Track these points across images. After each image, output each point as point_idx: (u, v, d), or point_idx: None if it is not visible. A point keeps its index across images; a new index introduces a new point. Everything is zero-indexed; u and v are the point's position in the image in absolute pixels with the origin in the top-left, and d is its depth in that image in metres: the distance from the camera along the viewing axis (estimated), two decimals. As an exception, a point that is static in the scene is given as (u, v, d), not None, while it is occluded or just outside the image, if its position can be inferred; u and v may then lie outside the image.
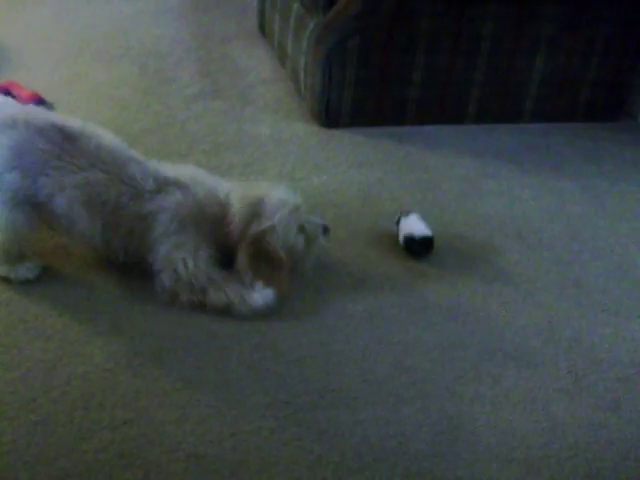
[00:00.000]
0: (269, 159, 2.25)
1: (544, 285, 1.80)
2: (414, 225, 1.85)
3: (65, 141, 1.60)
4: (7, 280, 1.66)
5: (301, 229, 1.69)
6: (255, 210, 1.63)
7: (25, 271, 1.68)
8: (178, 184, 1.64)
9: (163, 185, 1.63)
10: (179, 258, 1.61)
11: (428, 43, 2.38)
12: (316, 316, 1.63)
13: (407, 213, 1.89)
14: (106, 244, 1.65)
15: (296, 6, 2.66)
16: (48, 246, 1.78)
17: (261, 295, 1.61)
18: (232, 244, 1.64)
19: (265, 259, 1.62)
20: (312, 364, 1.50)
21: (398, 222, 1.89)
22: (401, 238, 1.86)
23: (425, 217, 1.99)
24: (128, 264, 1.69)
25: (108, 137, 1.69)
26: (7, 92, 2.47)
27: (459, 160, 2.34)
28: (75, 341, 1.51)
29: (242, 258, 1.62)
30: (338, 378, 1.47)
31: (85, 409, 1.36)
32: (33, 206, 1.61)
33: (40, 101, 2.49)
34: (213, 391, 1.42)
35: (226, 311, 1.61)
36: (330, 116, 2.44)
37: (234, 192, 1.67)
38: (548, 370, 1.54)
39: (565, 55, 2.53)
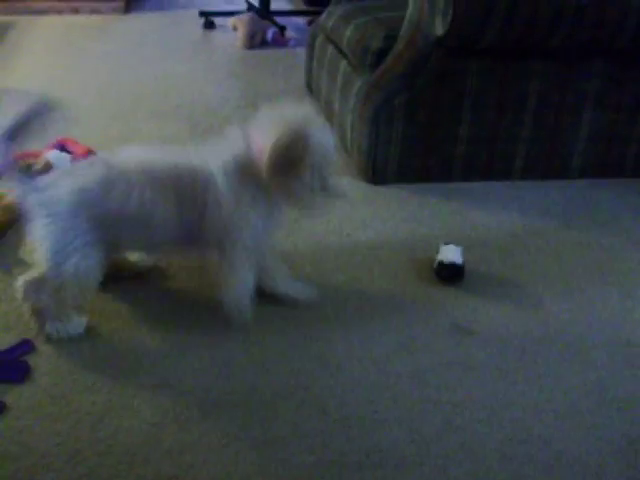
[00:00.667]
0: (315, 215, 2.27)
1: (594, 344, 1.76)
2: (448, 253, 1.96)
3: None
4: (52, 338, 1.67)
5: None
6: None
7: (76, 327, 1.69)
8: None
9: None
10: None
11: (474, 100, 2.40)
12: (362, 374, 1.62)
13: (447, 243, 2.00)
14: (181, 230, 1.65)
15: (343, 64, 2.72)
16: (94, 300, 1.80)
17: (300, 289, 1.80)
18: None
19: (289, 165, 1.58)
20: (358, 423, 1.48)
21: (438, 252, 1.99)
22: (435, 263, 1.97)
23: (472, 274, 1.99)
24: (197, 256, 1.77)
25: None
26: (62, 147, 2.55)
27: (506, 217, 2.33)
28: (122, 394, 1.52)
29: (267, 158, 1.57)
30: (385, 438, 1.45)
31: (130, 463, 1.36)
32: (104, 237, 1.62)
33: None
34: (258, 448, 1.41)
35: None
36: (377, 172, 2.46)
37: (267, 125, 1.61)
38: (600, 433, 1.49)
39: (612, 111, 2.52)
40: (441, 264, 1.95)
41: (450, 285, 1.95)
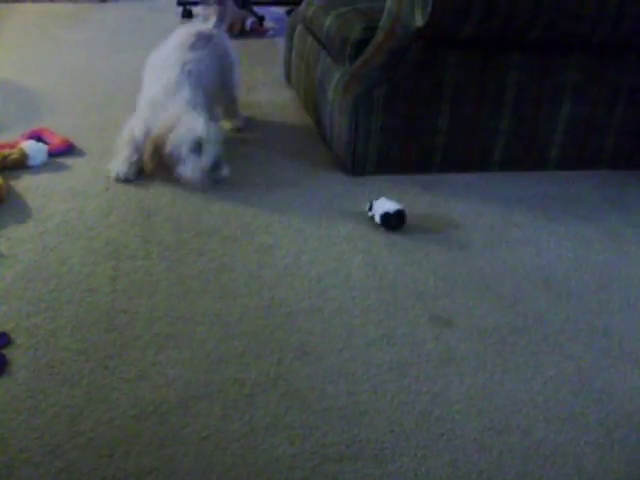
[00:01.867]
0: (295, 206, 2.27)
1: (572, 335, 1.78)
2: (386, 204, 2.15)
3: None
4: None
5: (194, 152, 2.26)
6: (171, 125, 2.28)
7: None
8: None
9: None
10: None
11: (453, 92, 2.41)
12: (342, 365, 1.62)
13: (377, 198, 2.19)
14: (218, 85, 2.60)
15: (323, 55, 2.71)
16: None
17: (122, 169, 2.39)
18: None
19: (156, 155, 2.31)
20: (338, 414, 1.48)
21: (370, 208, 2.19)
22: (377, 218, 2.16)
23: (451, 265, 2.00)
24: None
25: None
26: (39, 138, 2.53)
27: (485, 208, 2.34)
28: (101, 387, 1.51)
29: (146, 148, 2.35)
30: (365, 429, 1.45)
31: (110, 457, 1.36)
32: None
33: (70, 147, 2.54)
34: (238, 440, 1.41)
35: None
36: (356, 164, 2.46)
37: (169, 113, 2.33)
38: (578, 422, 1.51)
39: (590, 103, 2.54)
40: (387, 214, 2.13)
41: (397, 231, 2.14)
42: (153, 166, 2.34)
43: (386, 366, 1.63)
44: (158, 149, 2.30)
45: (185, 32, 2.60)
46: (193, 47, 2.51)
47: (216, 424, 1.44)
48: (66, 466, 1.33)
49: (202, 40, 2.56)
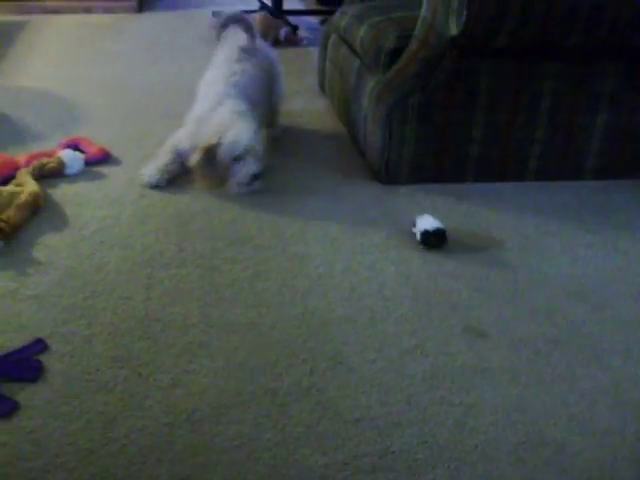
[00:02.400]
0: (328, 214, 2.27)
1: (609, 347, 1.75)
2: (428, 221, 2.10)
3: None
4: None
5: (239, 158, 2.32)
6: (219, 133, 2.32)
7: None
8: None
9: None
10: None
11: (488, 100, 2.39)
12: (376, 376, 1.61)
13: (421, 215, 2.13)
14: (263, 95, 2.64)
15: (356, 64, 2.71)
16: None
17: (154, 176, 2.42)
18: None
19: (205, 162, 2.34)
20: (371, 425, 1.47)
21: (415, 225, 2.12)
22: (418, 235, 2.10)
23: (485, 275, 1.98)
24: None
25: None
26: (76, 147, 2.56)
27: (520, 218, 2.32)
28: (135, 394, 1.53)
29: (193, 157, 2.37)
30: (398, 440, 1.44)
31: (143, 464, 1.36)
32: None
33: (107, 156, 2.57)
34: (271, 450, 1.41)
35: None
36: (390, 173, 2.46)
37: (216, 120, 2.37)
38: (615, 437, 1.48)
39: (627, 111, 2.50)
40: (427, 232, 2.08)
41: (437, 250, 2.08)
42: (202, 174, 2.37)
43: (419, 377, 1.61)
44: (206, 156, 2.32)
45: (230, 47, 2.67)
46: (238, 60, 2.58)
47: (248, 433, 1.44)
48: (99, 472, 1.34)
49: (247, 52, 2.62)
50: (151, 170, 2.42)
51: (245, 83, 2.52)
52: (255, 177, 2.34)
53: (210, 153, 2.31)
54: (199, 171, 2.37)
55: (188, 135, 2.43)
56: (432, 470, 1.38)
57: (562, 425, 1.50)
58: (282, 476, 1.35)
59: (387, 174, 2.46)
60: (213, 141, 2.31)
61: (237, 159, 2.31)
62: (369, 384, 1.58)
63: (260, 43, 2.72)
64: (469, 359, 1.68)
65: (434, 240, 2.08)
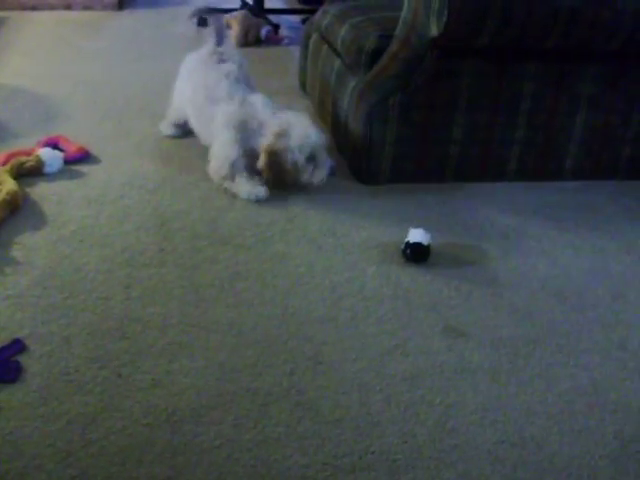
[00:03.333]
0: (309, 214, 2.27)
1: (587, 347, 1.76)
2: (415, 235, 2.06)
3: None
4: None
5: (312, 158, 2.29)
6: (283, 133, 2.28)
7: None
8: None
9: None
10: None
11: (468, 101, 2.40)
12: (356, 376, 1.62)
13: (416, 227, 2.09)
14: None
15: (338, 64, 2.71)
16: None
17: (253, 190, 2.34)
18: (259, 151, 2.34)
19: (275, 166, 2.30)
20: (351, 425, 1.48)
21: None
22: (403, 245, 2.07)
23: (465, 275, 1.99)
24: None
25: None
26: (55, 145, 2.54)
27: (499, 218, 2.33)
28: (115, 395, 1.52)
29: (261, 160, 2.32)
30: (378, 440, 1.44)
31: (122, 465, 1.36)
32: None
33: (86, 154, 2.56)
34: (251, 450, 1.41)
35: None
36: (371, 172, 2.46)
37: (277, 120, 2.32)
38: (593, 435, 1.50)
39: (606, 113, 2.53)
40: (407, 244, 2.05)
41: (415, 264, 2.04)
42: (272, 177, 2.33)
43: (399, 377, 1.62)
44: (274, 158, 2.29)
45: (199, 56, 2.65)
46: (220, 61, 2.56)
47: (228, 433, 1.44)
48: (78, 474, 1.33)
49: (221, 55, 2.60)
50: (250, 188, 2.35)
51: (243, 79, 2.53)
52: (332, 172, 2.35)
53: (278, 153, 2.28)
54: (268, 173, 2.32)
55: (233, 144, 2.36)
56: (412, 470, 1.38)
57: (541, 424, 1.52)
58: (262, 477, 1.35)
59: (368, 174, 2.47)
60: (278, 141, 2.27)
61: (310, 159, 2.30)
62: (349, 384, 1.59)
63: (228, 47, 2.72)
64: (449, 359, 1.69)
65: (411, 253, 2.04)
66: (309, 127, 2.31)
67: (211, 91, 2.47)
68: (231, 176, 2.36)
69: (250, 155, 2.36)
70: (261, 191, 2.33)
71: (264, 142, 2.30)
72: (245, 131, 2.35)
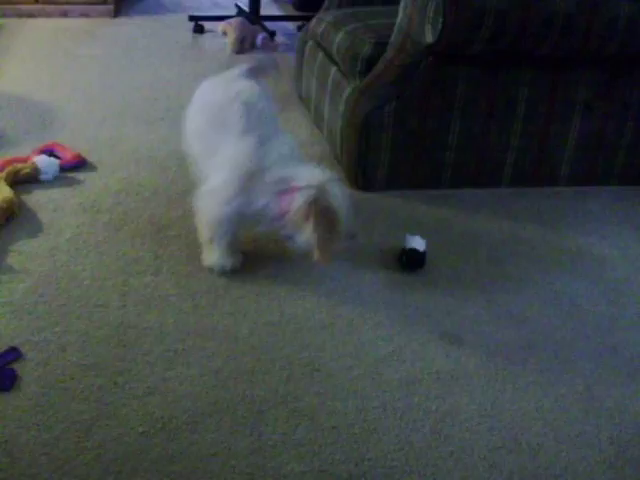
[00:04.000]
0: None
1: (583, 352, 1.77)
2: (412, 242, 2.06)
3: None
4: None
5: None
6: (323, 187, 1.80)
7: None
8: None
9: None
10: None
11: (464, 108, 2.41)
12: (352, 382, 1.62)
13: (413, 234, 2.09)
14: None
15: (333, 71, 2.71)
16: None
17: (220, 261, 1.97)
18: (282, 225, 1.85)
19: (325, 229, 1.78)
20: (348, 432, 1.48)
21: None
22: (399, 252, 2.07)
23: (461, 281, 1.99)
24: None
25: None
26: (51, 152, 2.54)
27: (495, 224, 2.33)
28: (110, 403, 1.52)
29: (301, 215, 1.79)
30: (374, 447, 1.45)
31: (118, 473, 1.36)
32: None
33: (82, 162, 2.56)
34: (247, 457, 1.40)
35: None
36: (366, 179, 2.46)
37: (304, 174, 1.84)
38: (589, 441, 1.50)
39: (600, 119, 2.53)
40: (403, 251, 2.05)
41: (411, 272, 2.03)
42: (323, 234, 1.79)
43: (396, 383, 1.62)
44: (325, 213, 1.78)
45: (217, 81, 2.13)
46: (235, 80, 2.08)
47: (225, 441, 1.44)
48: (75, 482, 1.33)
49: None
50: (218, 257, 1.98)
51: (264, 107, 2.03)
52: (352, 236, 1.92)
53: (330, 210, 1.79)
54: (321, 232, 1.79)
55: (232, 198, 1.87)
56: (408, 476, 1.38)
57: (537, 430, 1.52)
58: (259, 484, 1.35)
59: (363, 180, 2.47)
60: (318, 198, 1.78)
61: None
62: (345, 391, 1.59)
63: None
64: (445, 365, 1.69)
65: (407, 259, 2.03)
66: (335, 186, 1.84)
67: (218, 113, 1.98)
68: (214, 239, 1.97)
69: (248, 217, 1.91)
70: (229, 263, 1.97)
71: (300, 197, 1.79)
72: (252, 186, 1.85)
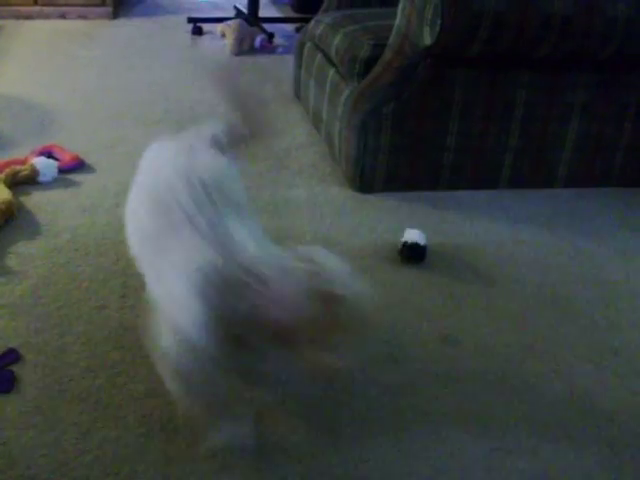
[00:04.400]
0: (304, 223, 2.27)
1: (580, 353, 1.77)
2: (412, 235, 2.10)
3: None
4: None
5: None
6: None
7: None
8: None
9: None
10: None
11: (462, 109, 2.41)
12: (350, 385, 1.62)
13: (412, 227, 2.14)
14: None
15: (331, 72, 2.72)
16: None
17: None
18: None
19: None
20: (346, 433, 1.48)
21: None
22: (400, 245, 2.10)
23: (459, 283, 2.00)
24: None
25: None
26: (49, 154, 2.54)
27: (493, 226, 2.34)
28: (109, 404, 1.52)
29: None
30: (373, 448, 1.45)
31: (117, 474, 1.36)
32: None
33: (80, 163, 2.56)
34: (245, 459, 1.40)
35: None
36: (364, 181, 2.47)
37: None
38: (587, 443, 1.50)
39: (599, 121, 2.54)
40: (404, 244, 2.07)
41: (412, 265, 2.06)
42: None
43: (393, 385, 1.62)
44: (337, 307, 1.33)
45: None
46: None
47: (224, 442, 1.44)
48: (73, 484, 1.33)
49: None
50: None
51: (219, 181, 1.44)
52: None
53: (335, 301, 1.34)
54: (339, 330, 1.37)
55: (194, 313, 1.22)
56: (407, 478, 1.39)
57: (535, 432, 1.52)
58: (257, 486, 1.35)
59: (362, 182, 2.47)
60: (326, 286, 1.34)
61: None
62: (344, 392, 1.59)
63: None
64: (443, 366, 1.69)
65: (407, 252, 2.07)
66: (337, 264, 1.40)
67: (161, 198, 1.38)
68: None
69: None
70: (236, 436, 1.43)
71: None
72: (220, 297, 1.20)
